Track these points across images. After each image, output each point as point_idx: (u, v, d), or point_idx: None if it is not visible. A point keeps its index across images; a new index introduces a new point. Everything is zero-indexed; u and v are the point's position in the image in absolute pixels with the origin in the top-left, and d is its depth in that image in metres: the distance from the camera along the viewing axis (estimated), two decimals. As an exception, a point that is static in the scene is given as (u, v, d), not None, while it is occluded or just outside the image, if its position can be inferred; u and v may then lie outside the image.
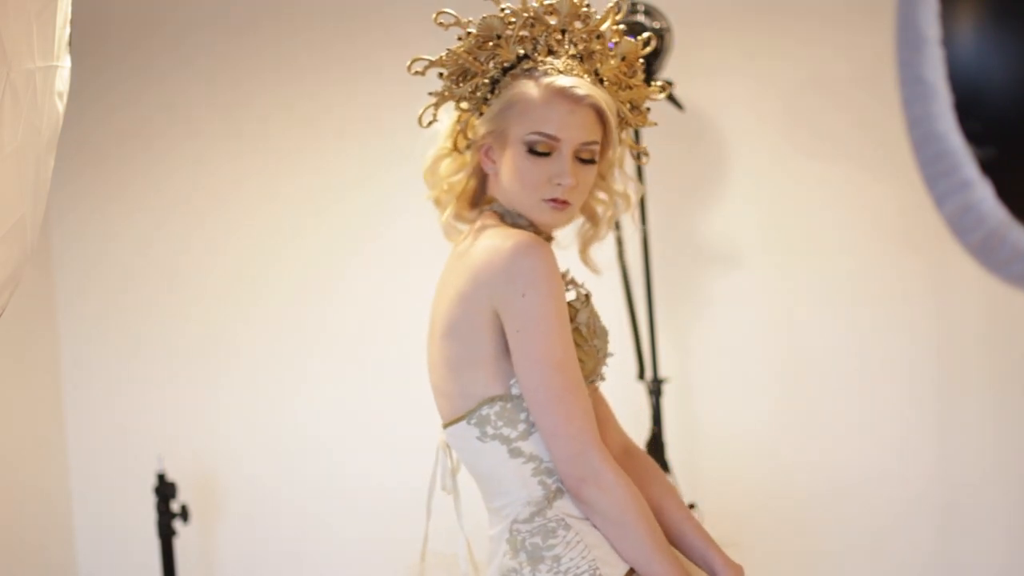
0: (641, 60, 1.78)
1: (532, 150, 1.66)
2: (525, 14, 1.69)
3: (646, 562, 1.59)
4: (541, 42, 1.70)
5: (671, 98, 2.72)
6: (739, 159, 3.06)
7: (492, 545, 1.68)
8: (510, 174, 1.69)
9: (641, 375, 2.82)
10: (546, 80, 1.67)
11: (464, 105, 1.76)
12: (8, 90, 1.40)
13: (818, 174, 3.02)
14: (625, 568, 1.59)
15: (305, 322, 3.22)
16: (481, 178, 1.78)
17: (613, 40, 1.74)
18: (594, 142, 1.68)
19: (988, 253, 0.98)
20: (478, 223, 1.71)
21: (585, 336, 1.71)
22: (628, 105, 1.79)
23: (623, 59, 1.75)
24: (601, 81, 1.73)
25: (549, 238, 1.77)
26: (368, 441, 3.18)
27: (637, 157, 1.90)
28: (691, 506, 2.76)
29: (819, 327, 3.03)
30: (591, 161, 1.69)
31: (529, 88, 1.67)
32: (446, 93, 1.76)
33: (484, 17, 1.70)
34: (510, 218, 1.71)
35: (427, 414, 1.84)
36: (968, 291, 2.96)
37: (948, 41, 0.94)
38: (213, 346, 3.25)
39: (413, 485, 2.14)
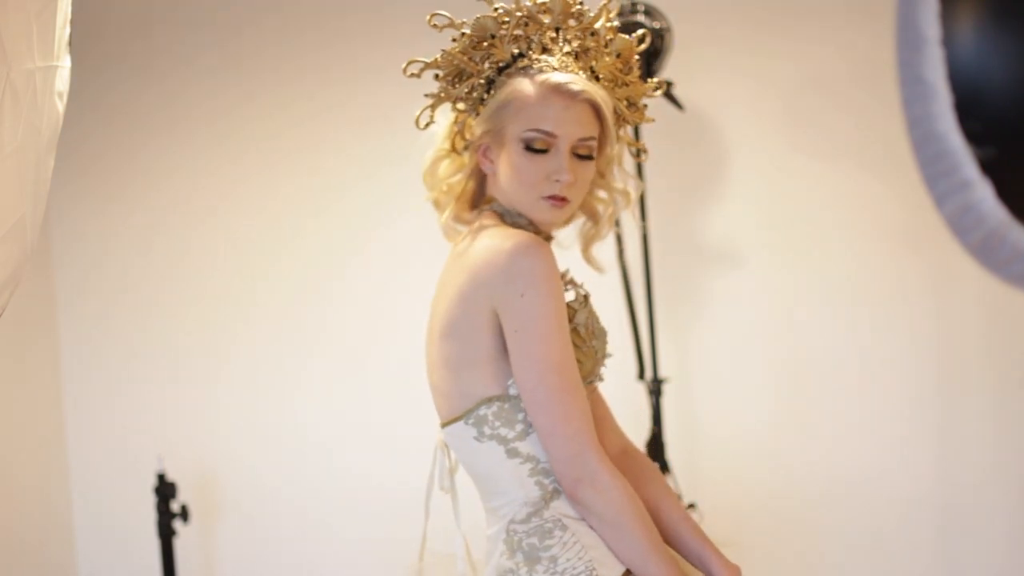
0: (637, 57, 1.78)
1: (529, 147, 1.66)
2: (519, 13, 1.69)
3: (642, 563, 1.58)
4: (535, 41, 1.71)
5: (671, 98, 2.72)
6: (739, 159, 3.06)
7: (489, 545, 1.69)
8: (508, 173, 1.69)
9: (641, 375, 2.82)
10: (541, 77, 1.67)
11: (461, 106, 1.76)
12: (8, 90, 1.40)
13: (818, 174, 3.02)
14: (621, 569, 1.59)
15: (305, 322, 3.22)
16: (480, 179, 1.78)
17: (608, 37, 1.74)
18: (591, 138, 1.68)
19: (988, 253, 0.98)
20: (477, 223, 1.71)
21: (583, 337, 1.71)
22: (625, 102, 1.79)
23: (618, 56, 1.76)
24: (597, 78, 1.73)
25: (549, 238, 1.77)
26: (368, 441, 3.18)
27: (637, 155, 1.90)
28: (691, 506, 2.76)
29: (819, 327, 3.03)
30: (589, 157, 1.69)
31: (524, 86, 1.67)
32: (442, 95, 1.76)
33: (478, 17, 1.70)
34: (510, 218, 1.71)
35: (427, 414, 1.84)
36: (968, 291, 2.96)
37: (948, 41, 0.94)
38: (213, 346, 3.25)
39: (413, 485, 2.14)
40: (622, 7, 2.71)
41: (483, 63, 1.72)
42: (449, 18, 1.71)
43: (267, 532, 3.22)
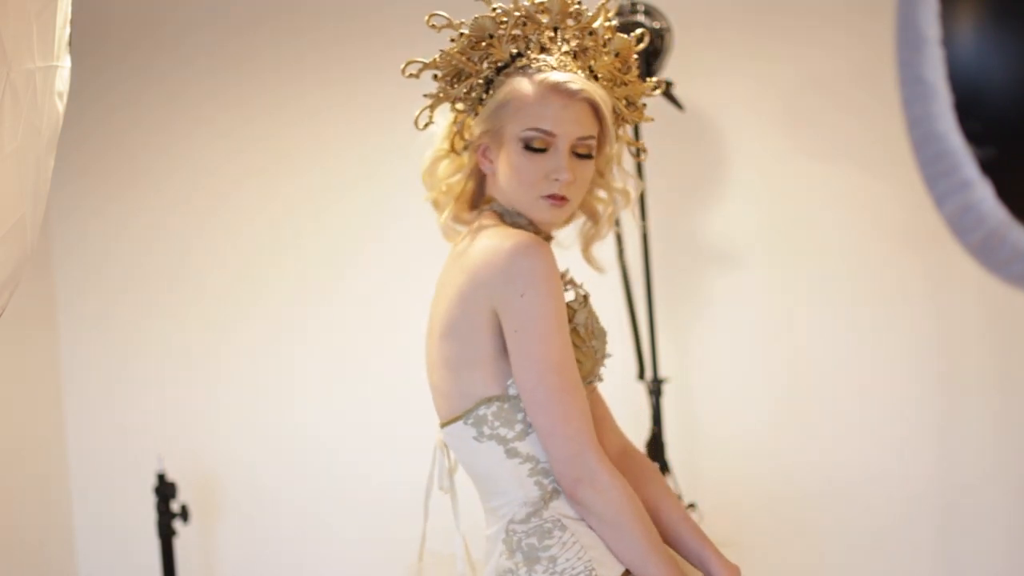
0: (635, 56, 1.78)
1: (528, 146, 1.66)
2: (517, 13, 1.69)
3: (642, 563, 1.58)
4: (534, 40, 1.71)
5: (671, 98, 2.72)
6: (739, 159, 3.06)
7: (489, 545, 1.68)
8: (507, 172, 1.69)
9: (641, 375, 2.82)
10: (540, 76, 1.67)
11: (460, 106, 1.76)
12: (8, 90, 1.40)
13: (818, 174, 3.02)
14: (621, 569, 1.59)
15: (305, 322, 3.22)
16: (479, 180, 1.78)
17: (607, 36, 1.74)
18: (590, 137, 1.68)
19: (988, 253, 0.98)
20: (477, 223, 1.71)
21: (583, 337, 1.71)
22: (624, 101, 1.79)
23: (617, 55, 1.76)
24: (596, 78, 1.73)
25: (549, 238, 1.77)
26: (367, 441, 3.18)
27: (636, 154, 1.90)
28: (691, 506, 2.76)
29: (819, 327, 3.03)
30: (588, 156, 1.69)
31: (523, 85, 1.67)
32: (441, 95, 1.76)
33: (476, 18, 1.70)
34: (509, 217, 1.71)
35: (426, 414, 1.84)
36: (968, 291, 2.96)
37: (948, 41, 0.94)
38: (213, 346, 3.25)
39: (413, 485, 2.14)
40: (622, 7, 2.71)
41: (481, 63, 1.72)
42: (447, 18, 1.71)
43: (267, 532, 3.22)
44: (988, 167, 0.94)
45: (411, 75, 1.73)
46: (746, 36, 3.04)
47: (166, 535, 2.95)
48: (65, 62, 1.56)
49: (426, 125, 1.78)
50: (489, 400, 1.63)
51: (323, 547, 3.20)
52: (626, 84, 1.78)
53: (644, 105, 1.82)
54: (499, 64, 1.71)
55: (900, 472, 2.99)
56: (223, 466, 3.23)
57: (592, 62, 1.73)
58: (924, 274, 2.98)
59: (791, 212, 3.05)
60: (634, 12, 2.70)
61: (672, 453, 2.86)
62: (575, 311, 1.72)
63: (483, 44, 1.71)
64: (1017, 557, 2.95)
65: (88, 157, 3.26)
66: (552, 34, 1.71)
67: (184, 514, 2.96)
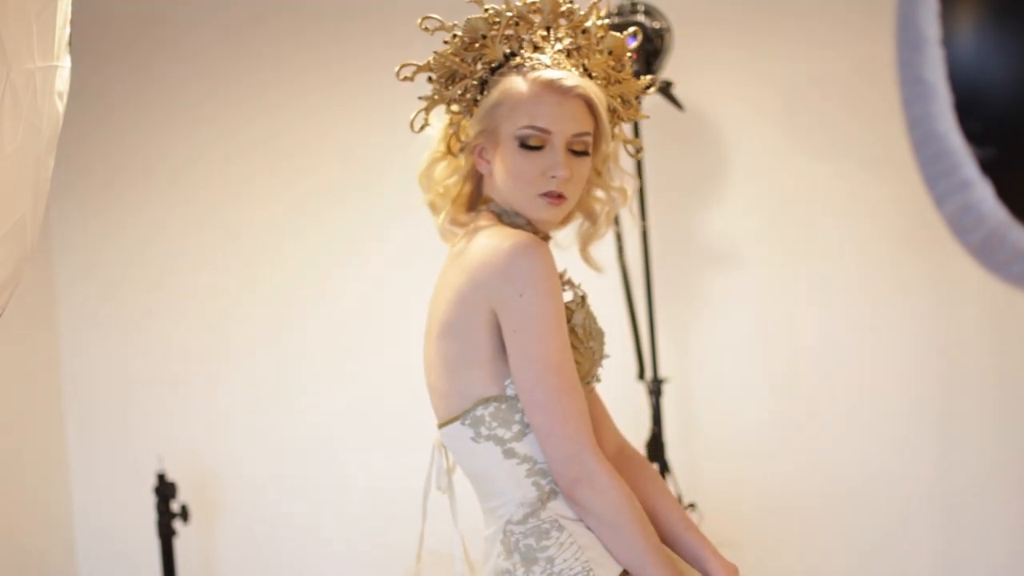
0: (629, 54, 1.78)
1: (524, 144, 1.66)
2: (509, 13, 1.69)
3: (640, 564, 1.58)
4: (527, 40, 1.71)
5: (671, 97, 2.72)
6: (739, 159, 3.06)
7: (487, 546, 1.68)
8: (504, 171, 1.68)
9: (641, 375, 2.81)
10: (534, 74, 1.67)
11: (455, 108, 1.76)
12: (8, 90, 1.40)
13: (818, 174, 3.02)
14: (619, 570, 1.59)
15: (305, 322, 3.22)
16: (476, 181, 1.78)
17: (599, 35, 1.74)
18: (586, 133, 1.68)
19: (988, 253, 0.97)
20: (475, 223, 1.71)
21: (581, 338, 1.71)
22: (619, 99, 1.79)
23: (610, 53, 1.76)
24: (590, 76, 1.73)
25: (547, 237, 1.77)
26: (366, 441, 3.18)
27: (635, 152, 1.90)
28: (691, 506, 2.76)
29: (819, 327, 3.03)
30: (584, 153, 1.69)
31: (517, 84, 1.67)
32: (436, 97, 1.76)
33: (469, 19, 1.70)
34: (507, 217, 1.71)
35: (425, 415, 1.84)
36: (968, 291, 2.96)
37: (948, 41, 0.94)
38: (213, 346, 3.25)
39: (412, 485, 2.14)
40: (622, 7, 2.71)
41: (475, 64, 1.72)
42: (440, 21, 1.71)
43: (267, 532, 3.22)
44: (988, 167, 0.94)
45: (405, 78, 1.73)
46: (746, 36, 3.04)
47: (166, 535, 2.95)
48: (65, 62, 1.56)
49: (422, 128, 1.78)
50: (487, 400, 1.63)
51: (322, 547, 3.20)
52: (620, 82, 1.78)
53: (639, 102, 1.82)
54: (493, 64, 1.71)
55: (900, 472, 2.99)
56: (223, 466, 3.23)
57: (586, 60, 1.73)
58: (924, 274, 2.98)
59: (791, 212, 3.04)
60: (634, 12, 2.70)
61: (672, 453, 2.86)
62: (573, 311, 1.72)
63: (476, 45, 1.71)
64: (1017, 557, 2.95)
65: (88, 157, 3.26)
66: (545, 33, 1.71)
67: (184, 514, 2.96)
